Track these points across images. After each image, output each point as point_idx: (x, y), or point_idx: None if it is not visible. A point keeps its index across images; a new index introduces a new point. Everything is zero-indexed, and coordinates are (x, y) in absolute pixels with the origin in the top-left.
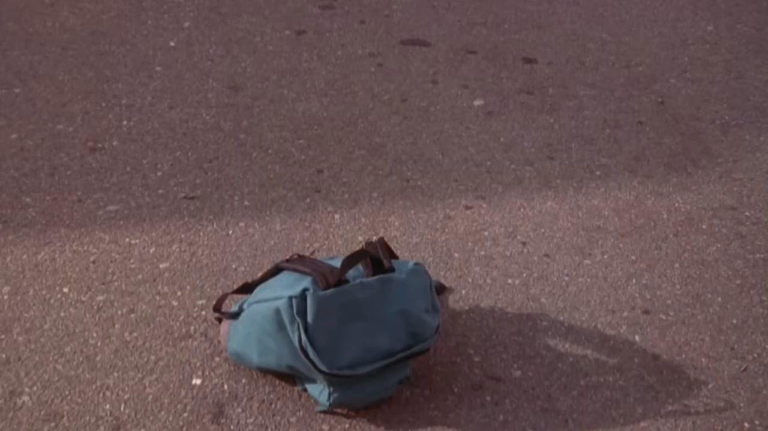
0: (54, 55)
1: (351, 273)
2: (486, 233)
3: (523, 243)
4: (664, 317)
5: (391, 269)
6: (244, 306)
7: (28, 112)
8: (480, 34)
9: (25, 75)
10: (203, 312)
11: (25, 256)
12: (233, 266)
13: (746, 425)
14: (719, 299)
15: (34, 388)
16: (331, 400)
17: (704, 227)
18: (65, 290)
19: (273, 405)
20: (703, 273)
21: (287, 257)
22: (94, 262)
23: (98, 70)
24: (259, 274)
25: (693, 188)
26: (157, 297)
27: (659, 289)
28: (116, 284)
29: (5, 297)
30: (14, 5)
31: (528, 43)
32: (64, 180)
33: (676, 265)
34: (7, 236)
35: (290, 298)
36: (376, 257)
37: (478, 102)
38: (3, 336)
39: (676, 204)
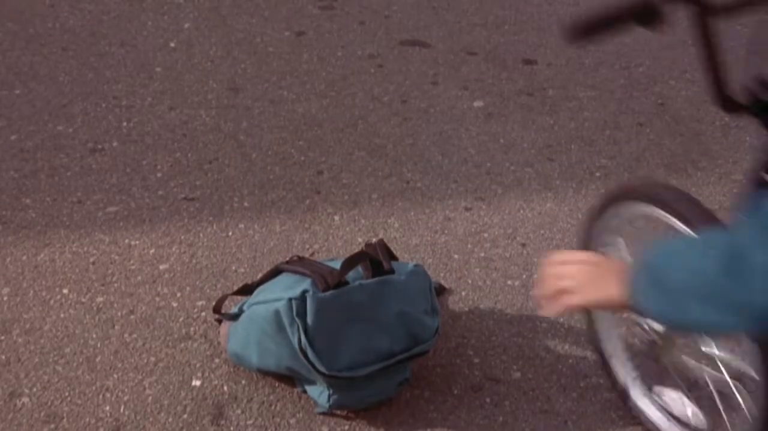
0: (54, 56)
1: (350, 275)
2: (486, 235)
3: (523, 245)
4: None
5: (391, 271)
6: (244, 308)
7: (29, 113)
8: (480, 35)
9: (25, 76)
10: (203, 314)
11: (24, 257)
12: (233, 268)
13: None
14: None
15: (34, 389)
16: (331, 402)
17: None
18: (65, 291)
19: (273, 407)
20: None
21: (287, 258)
22: (93, 263)
23: (98, 71)
24: (259, 275)
25: (693, 190)
26: (157, 299)
27: None
28: (116, 285)
29: (5, 298)
30: (15, 6)
31: (528, 44)
32: (64, 181)
33: None
34: (6, 237)
35: (290, 300)
36: (376, 259)
37: (478, 103)
38: (3, 337)
39: None
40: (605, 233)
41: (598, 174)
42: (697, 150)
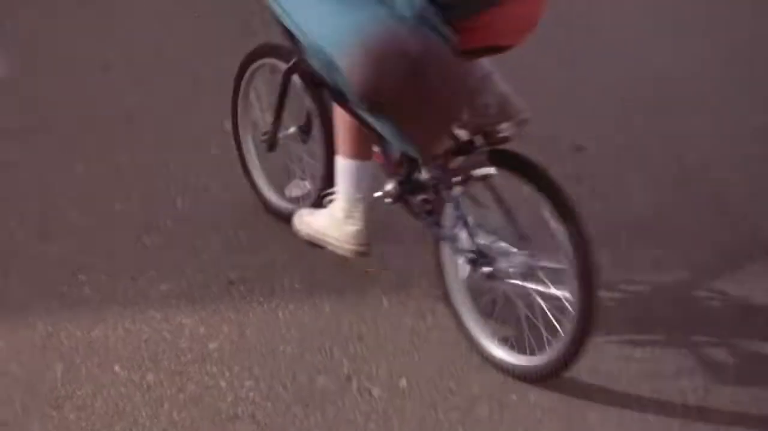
0: (115, 137)
1: None
2: None
3: None
4: (717, 415)
5: None
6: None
7: (88, 191)
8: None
9: (87, 155)
10: (251, 394)
11: (79, 333)
12: (281, 348)
13: None
14: None
15: None
16: None
17: (760, 321)
18: (116, 368)
19: None
20: (759, 369)
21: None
22: (146, 341)
23: (156, 151)
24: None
25: (748, 282)
26: (206, 377)
27: (712, 386)
28: (166, 363)
29: (58, 374)
30: (78, 90)
31: (577, 130)
32: (119, 258)
33: (731, 361)
34: (62, 312)
35: None
36: None
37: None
38: (55, 413)
39: (731, 298)
40: (246, 94)
41: (649, 264)
42: (752, 243)
